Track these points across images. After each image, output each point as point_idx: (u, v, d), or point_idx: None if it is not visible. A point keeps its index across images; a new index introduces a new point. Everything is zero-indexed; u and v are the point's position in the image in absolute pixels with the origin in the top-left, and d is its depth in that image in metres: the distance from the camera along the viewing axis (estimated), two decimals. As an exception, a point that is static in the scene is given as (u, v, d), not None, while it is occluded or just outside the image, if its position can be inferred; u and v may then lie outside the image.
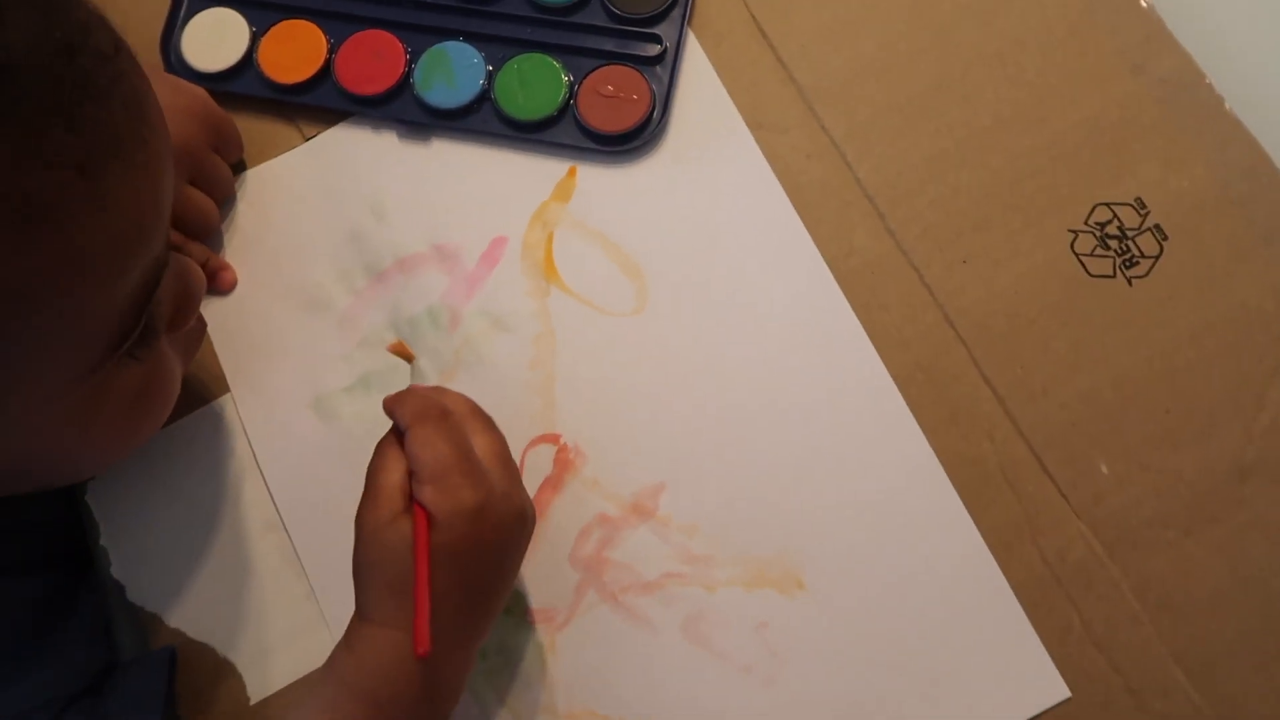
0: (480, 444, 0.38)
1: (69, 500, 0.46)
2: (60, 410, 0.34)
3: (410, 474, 0.36)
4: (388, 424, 0.45)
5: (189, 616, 0.44)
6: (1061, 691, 0.41)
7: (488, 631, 0.38)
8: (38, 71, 0.28)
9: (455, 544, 0.35)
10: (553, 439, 0.45)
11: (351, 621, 0.37)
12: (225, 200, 0.48)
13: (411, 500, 0.36)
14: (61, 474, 0.40)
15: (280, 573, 0.44)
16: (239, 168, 0.49)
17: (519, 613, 0.43)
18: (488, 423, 0.39)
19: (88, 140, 0.29)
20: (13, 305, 0.29)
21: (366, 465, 0.39)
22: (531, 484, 0.44)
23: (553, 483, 0.44)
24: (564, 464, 0.44)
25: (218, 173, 0.47)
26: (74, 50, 0.29)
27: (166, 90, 0.47)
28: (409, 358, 0.45)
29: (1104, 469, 0.43)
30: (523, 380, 0.45)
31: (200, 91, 0.46)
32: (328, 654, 0.42)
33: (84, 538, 0.46)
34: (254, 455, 0.45)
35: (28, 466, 0.37)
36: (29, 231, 0.28)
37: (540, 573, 0.43)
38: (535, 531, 0.43)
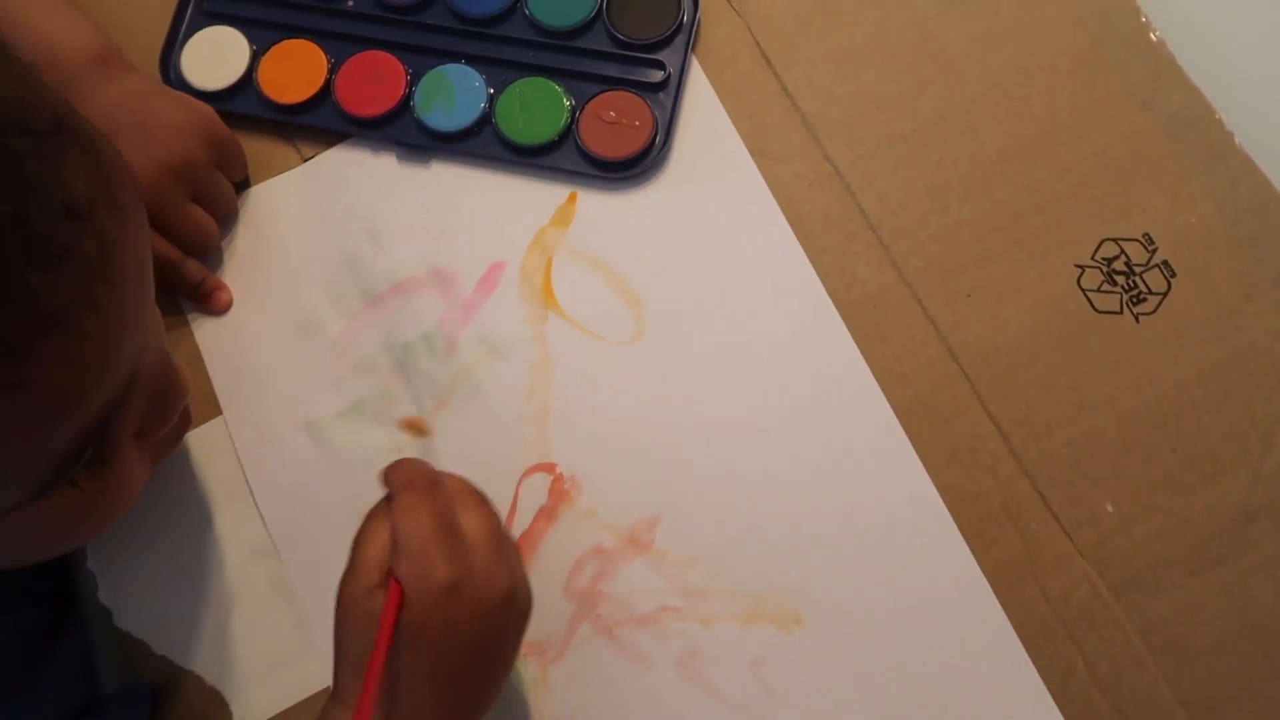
0: (469, 520, 0.36)
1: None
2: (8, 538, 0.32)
3: (393, 545, 0.35)
4: (381, 449, 0.44)
5: (176, 643, 0.43)
6: (1063, 735, 0.40)
7: (483, 714, 0.36)
8: None
9: (424, 623, 0.34)
10: (548, 468, 0.44)
11: (326, 703, 0.36)
12: (226, 218, 0.47)
13: (388, 574, 0.35)
14: (34, 559, 0.39)
15: (269, 599, 0.44)
16: (242, 186, 0.48)
17: (511, 646, 0.42)
18: (480, 500, 0.37)
19: (17, 315, 0.26)
20: None
21: (358, 491, 0.39)
22: (526, 514, 0.43)
23: (547, 513, 0.43)
24: (559, 494, 0.44)
25: (220, 190, 0.46)
26: (20, 217, 0.26)
27: (174, 107, 0.47)
28: (423, 433, 0.44)
29: (1109, 509, 0.42)
30: (518, 409, 0.44)
31: (207, 109, 0.46)
32: (314, 683, 0.42)
33: (68, 565, 0.45)
34: (245, 479, 0.45)
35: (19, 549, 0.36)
36: None
37: (535, 603, 0.42)
38: (529, 559, 0.43)
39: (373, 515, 0.37)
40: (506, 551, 0.36)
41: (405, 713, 0.33)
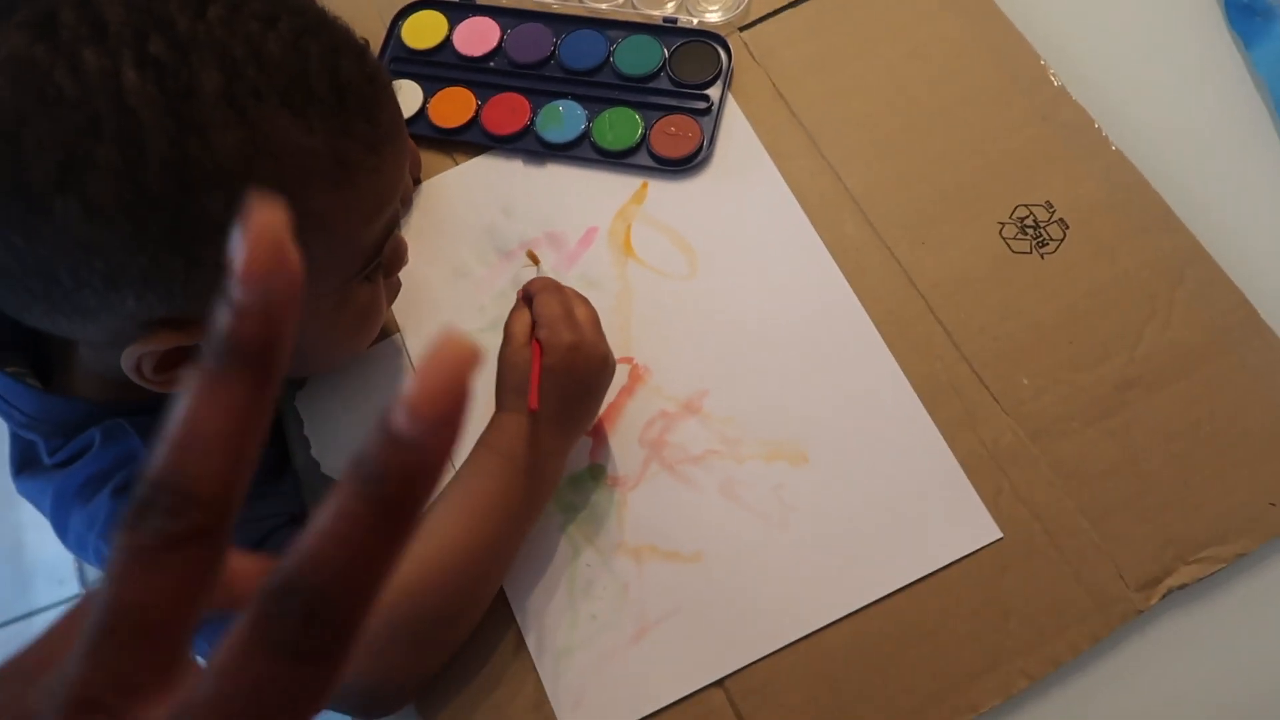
0: (580, 311, 0.56)
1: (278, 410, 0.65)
2: (322, 310, 0.53)
3: (532, 324, 0.55)
4: (510, 352, 0.63)
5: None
6: (995, 533, 0.56)
7: (577, 438, 0.57)
8: (356, 88, 0.47)
9: (556, 367, 0.54)
10: (628, 360, 0.62)
11: (494, 415, 0.55)
12: (408, 203, 0.68)
13: (531, 338, 0.55)
14: (307, 365, 0.59)
15: (430, 453, 0.62)
16: (417, 183, 0.69)
17: (601, 478, 0.60)
18: (586, 302, 0.57)
19: (377, 129, 0.48)
20: (323, 228, 0.47)
21: (492, 381, 0.58)
22: (614, 390, 0.61)
23: (628, 390, 0.62)
24: (636, 376, 0.62)
25: (408, 183, 0.67)
26: (371, 77, 0.48)
27: None
28: (537, 262, 0.64)
29: (1025, 382, 0.59)
30: (608, 321, 0.62)
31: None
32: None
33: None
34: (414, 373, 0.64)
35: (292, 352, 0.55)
36: (338, 180, 0.47)
37: (618, 450, 0.60)
38: (614, 421, 0.61)
39: (515, 310, 0.57)
40: (601, 333, 0.57)
41: (546, 414, 0.54)
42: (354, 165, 0.47)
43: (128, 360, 0.47)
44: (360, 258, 0.52)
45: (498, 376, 0.56)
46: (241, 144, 0.43)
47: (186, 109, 0.42)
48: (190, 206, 0.43)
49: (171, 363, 0.49)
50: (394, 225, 0.54)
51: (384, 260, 0.55)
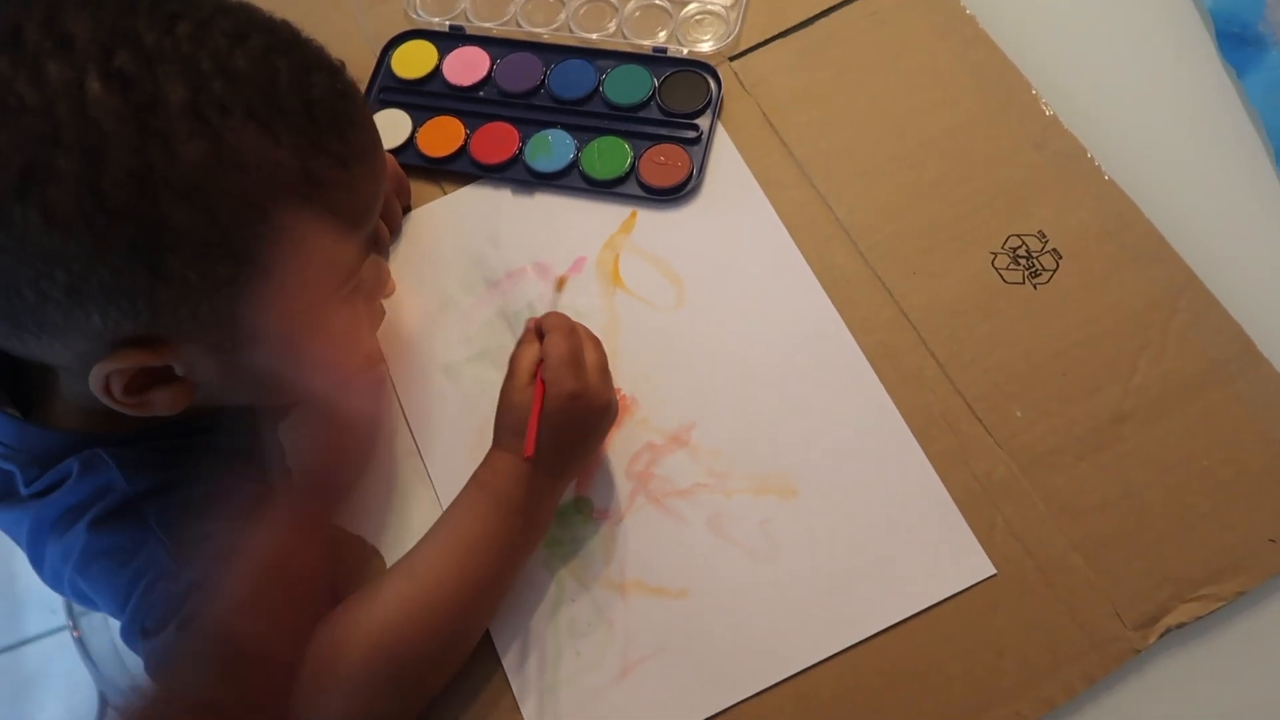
0: (590, 357, 0.55)
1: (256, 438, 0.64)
2: (295, 334, 0.52)
3: (540, 362, 0.54)
4: (496, 383, 0.63)
5: (346, 514, 0.60)
6: (989, 569, 0.55)
7: (573, 476, 0.56)
8: (327, 104, 0.47)
9: (556, 413, 0.53)
10: (615, 391, 0.61)
11: (489, 452, 0.54)
12: (396, 231, 0.68)
13: (536, 377, 0.54)
14: (282, 393, 0.58)
15: (415, 486, 0.61)
16: (405, 211, 0.69)
17: (587, 513, 0.59)
18: (597, 344, 0.57)
19: (349, 146, 0.48)
20: (292, 245, 0.46)
21: (478, 412, 0.57)
22: (599, 421, 0.60)
23: (616, 422, 0.61)
24: (624, 408, 0.61)
25: (396, 213, 0.67)
26: (343, 94, 0.49)
27: None
28: (560, 289, 0.64)
29: (1018, 414, 0.58)
30: None
31: (390, 156, 0.68)
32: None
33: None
34: (400, 404, 0.63)
35: (264, 381, 0.54)
36: (308, 195, 0.46)
37: (605, 483, 0.59)
38: (600, 454, 0.60)
39: (522, 344, 0.56)
40: (608, 379, 0.56)
41: (542, 457, 0.53)
42: (324, 181, 0.47)
43: (96, 379, 0.47)
44: (334, 277, 0.51)
45: (498, 412, 0.55)
46: (206, 155, 0.42)
47: (150, 119, 0.42)
48: (153, 217, 0.42)
49: (144, 384, 0.49)
50: (371, 245, 0.53)
51: (363, 284, 0.55)
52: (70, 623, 0.91)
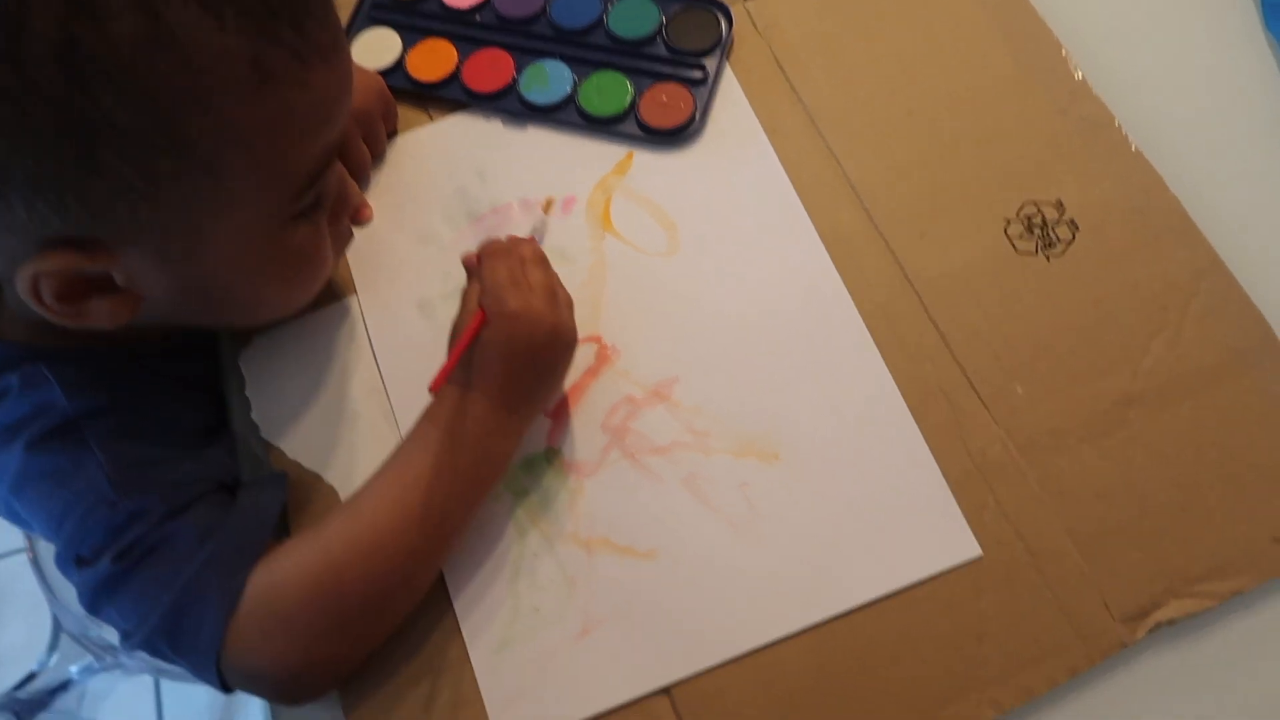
0: (534, 275, 0.52)
1: (218, 368, 0.60)
2: (249, 245, 0.48)
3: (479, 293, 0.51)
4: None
5: (304, 450, 0.57)
6: (975, 551, 0.52)
7: (531, 417, 0.53)
8: None
9: (496, 338, 0.50)
10: (596, 339, 0.58)
11: (441, 388, 0.51)
12: (379, 156, 0.64)
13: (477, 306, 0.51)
14: (236, 312, 0.55)
15: (378, 424, 0.57)
16: (390, 136, 0.65)
17: (558, 463, 0.55)
18: (544, 266, 0.53)
19: (307, 40, 0.43)
20: (240, 144, 0.43)
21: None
22: (578, 370, 0.57)
23: (593, 371, 0.57)
24: (603, 358, 0.58)
25: (380, 136, 0.63)
26: None
27: (364, 73, 0.63)
28: (547, 210, 0.61)
29: (1020, 391, 0.55)
30: (577, 296, 0.58)
31: (378, 77, 0.64)
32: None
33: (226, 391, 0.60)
34: (369, 339, 0.59)
35: (216, 297, 0.51)
36: (260, 90, 0.42)
37: (578, 434, 0.56)
38: (576, 403, 0.57)
39: (469, 281, 0.53)
40: (557, 300, 0.52)
41: (482, 386, 0.50)
42: (277, 76, 0.43)
43: (23, 280, 0.43)
44: (290, 186, 0.47)
45: (449, 348, 0.52)
46: (140, 34, 0.39)
47: None
48: (81, 100, 0.39)
49: (81, 292, 0.45)
50: (333, 156, 0.49)
51: (325, 198, 0.51)
52: (27, 544, 0.89)
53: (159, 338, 0.56)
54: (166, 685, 1.26)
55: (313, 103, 0.45)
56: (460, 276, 0.60)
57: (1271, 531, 0.51)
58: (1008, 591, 0.51)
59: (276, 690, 0.50)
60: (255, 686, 0.49)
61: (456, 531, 0.52)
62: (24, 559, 0.87)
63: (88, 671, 0.87)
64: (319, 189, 0.49)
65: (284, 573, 0.48)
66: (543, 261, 0.54)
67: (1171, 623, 0.50)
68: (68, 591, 0.88)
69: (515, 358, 0.51)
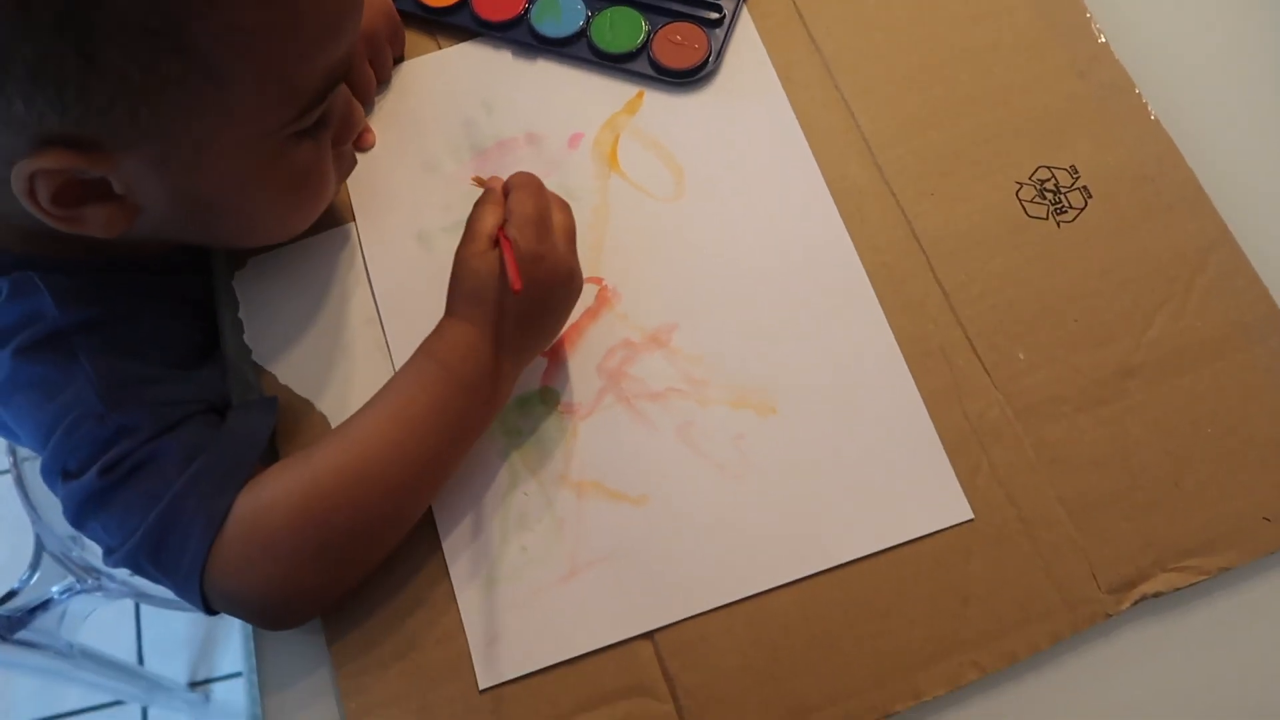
0: (556, 219, 0.51)
1: (209, 289, 0.59)
2: (250, 161, 0.47)
3: (502, 223, 0.49)
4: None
5: (296, 376, 0.56)
6: (967, 513, 0.52)
7: (529, 359, 0.52)
8: None
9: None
10: (597, 280, 0.57)
11: (441, 321, 0.50)
12: (384, 81, 0.62)
13: (498, 237, 0.49)
14: (234, 230, 0.54)
15: (372, 355, 0.57)
16: (396, 61, 0.63)
17: (552, 404, 0.55)
18: (566, 209, 0.52)
19: None
20: (245, 51, 0.41)
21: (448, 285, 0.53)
22: (577, 310, 0.56)
23: (592, 312, 0.57)
24: (603, 299, 0.57)
25: (386, 59, 0.61)
26: None
27: None
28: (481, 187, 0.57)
29: (1020, 356, 0.55)
30: (580, 235, 0.57)
31: (389, 1, 0.62)
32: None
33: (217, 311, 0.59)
34: (365, 267, 0.58)
35: (214, 213, 0.50)
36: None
37: (574, 376, 0.55)
38: (573, 345, 0.56)
39: (483, 203, 0.51)
40: (573, 245, 0.51)
41: (487, 324, 0.50)
42: None
43: (18, 179, 0.42)
44: (295, 101, 0.46)
45: (452, 278, 0.51)
46: None
47: None
48: None
49: (77, 197, 0.44)
50: (341, 75, 0.47)
51: (330, 119, 0.50)
52: (11, 463, 0.88)
53: (156, 254, 0.55)
54: (147, 610, 1.26)
55: (322, 13, 0.43)
56: (461, 210, 0.59)
57: (1263, 509, 0.51)
58: (996, 555, 0.51)
59: (258, 613, 0.50)
60: (237, 609, 0.49)
61: (447, 469, 0.51)
62: (8, 480, 0.87)
63: (68, 592, 0.86)
64: (324, 108, 0.48)
65: (271, 496, 0.47)
66: (565, 205, 0.53)
67: (1157, 595, 0.50)
68: (51, 512, 0.88)
69: (529, 299, 0.50)
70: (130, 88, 0.40)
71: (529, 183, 0.51)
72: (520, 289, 0.47)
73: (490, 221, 0.50)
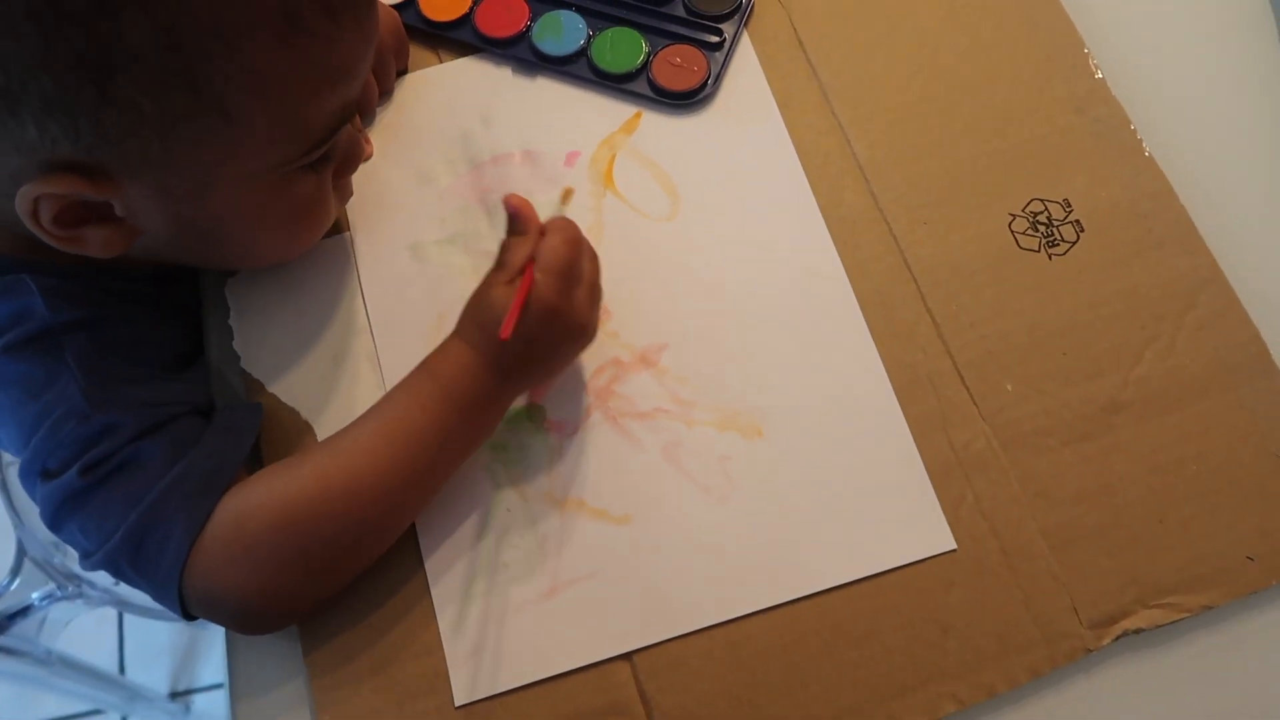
0: (587, 267, 0.51)
1: (197, 297, 0.59)
2: (252, 193, 0.47)
3: (531, 259, 0.49)
4: (464, 270, 0.58)
5: (284, 384, 0.56)
6: (950, 544, 0.51)
7: (530, 387, 0.52)
8: None
9: (534, 322, 0.48)
10: (589, 298, 0.57)
11: (447, 340, 0.50)
12: (386, 93, 0.62)
13: (522, 272, 0.49)
14: (230, 255, 0.54)
15: (361, 365, 0.57)
16: (399, 73, 0.63)
17: (539, 421, 0.55)
18: (595, 260, 0.52)
19: None
20: (259, 92, 0.42)
21: (440, 297, 0.53)
22: (566, 327, 0.56)
23: (587, 345, 0.56)
24: (594, 318, 0.57)
25: (390, 72, 0.62)
26: None
27: (381, 6, 0.62)
28: (566, 201, 0.57)
29: (1008, 387, 0.55)
30: None
31: (394, 12, 0.62)
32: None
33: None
34: (359, 278, 0.59)
35: (212, 239, 0.50)
36: (285, 38, 0.42)
37: (561, 393, 0.55)
38: (562, 361, 0.56)
39: (519, 236, 0.50)
40: (596, 298, 0.51)
41: (493, 355, 0.49)
42: (305, 27, 0.42)
43: (23, 201, 0.43)
44: (304, 138, 0.46)
45: (470, 302, 0.51)
46: None
47: None
48: (107, 27, 0.38)
49: (78, 218, 0.45)
50: (349, 114, 0.48)
51: (335, 153, 0.50)
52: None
53: (149, 267, 0.55)
54: (129, 619, 1.25)
55: (336, 58, 0.44)
56: (455, 225, 0.60)
57: (1247, 549, 0.51)
58: (978, 587, 0.51)
59: (237, 619, 0.49)
60: (215, 612, 0.49)
61: (434, 486, 0.51)
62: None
63: (49, 598, 0.86)
64: (331, 144, 0.48)
65: (255, 500, 0.47)
66: (594, 256, 0.53)
67: (1138, 632, 0.50)
68: (33, 516, 0.88)
69: (538, 344, 0.50)
70: (144, 122, 0.41)
71: (565, 228, 0.51)
72: (508, 338, 0.46)
73: (522, 256, 0.49)
